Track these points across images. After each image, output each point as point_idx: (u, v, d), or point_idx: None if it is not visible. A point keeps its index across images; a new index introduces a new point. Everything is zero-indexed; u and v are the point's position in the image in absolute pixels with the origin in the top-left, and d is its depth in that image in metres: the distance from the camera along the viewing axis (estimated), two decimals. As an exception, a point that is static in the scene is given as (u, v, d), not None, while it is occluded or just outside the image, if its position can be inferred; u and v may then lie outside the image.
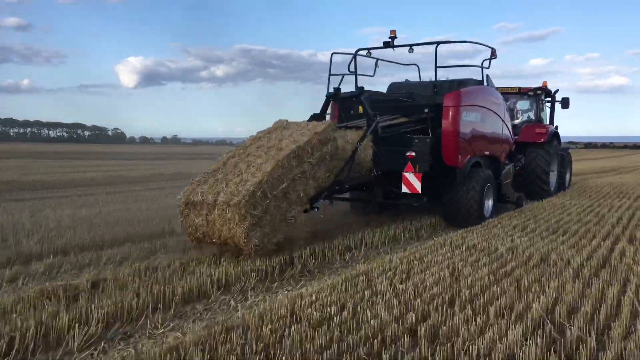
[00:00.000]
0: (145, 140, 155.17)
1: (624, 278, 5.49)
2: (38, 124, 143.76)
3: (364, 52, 9.87)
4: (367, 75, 11.27)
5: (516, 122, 14.74)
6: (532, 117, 14.65)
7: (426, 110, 9.07)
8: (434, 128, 9.08)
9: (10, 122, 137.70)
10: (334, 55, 9.77)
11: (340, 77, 9.83)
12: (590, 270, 5.72)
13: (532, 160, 13.47)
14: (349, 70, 9.59)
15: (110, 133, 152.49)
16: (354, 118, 9.56)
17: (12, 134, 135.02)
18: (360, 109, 9.61)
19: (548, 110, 15.39)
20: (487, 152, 10.15)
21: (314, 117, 8.81)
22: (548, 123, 14.99)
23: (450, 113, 8.89)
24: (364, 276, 5.46)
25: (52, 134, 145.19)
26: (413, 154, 8.21)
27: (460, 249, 6.88)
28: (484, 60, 10.51)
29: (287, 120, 8.07)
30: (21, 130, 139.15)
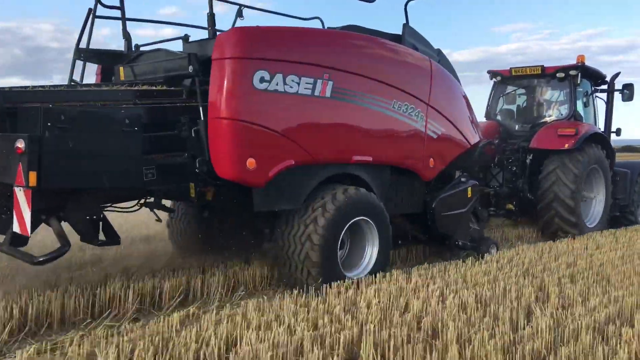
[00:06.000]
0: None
1: None
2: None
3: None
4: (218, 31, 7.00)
5: (547, 119, 9.37)
6: (566, 112, 9.16)
7: (190, 69, 4.58)
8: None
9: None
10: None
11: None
12: None
13: (548, 176, 8.20)
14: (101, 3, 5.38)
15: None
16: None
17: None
18: (122, 74, 5.43)
19: (601, 104, 9.76)
20: (367, 158, 5.38)
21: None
22: (592, 122, 9.40)
23: (226, 72, 4.37)
24: None
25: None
26: (22, 146, 3.68)
27: None
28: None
29: None
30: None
